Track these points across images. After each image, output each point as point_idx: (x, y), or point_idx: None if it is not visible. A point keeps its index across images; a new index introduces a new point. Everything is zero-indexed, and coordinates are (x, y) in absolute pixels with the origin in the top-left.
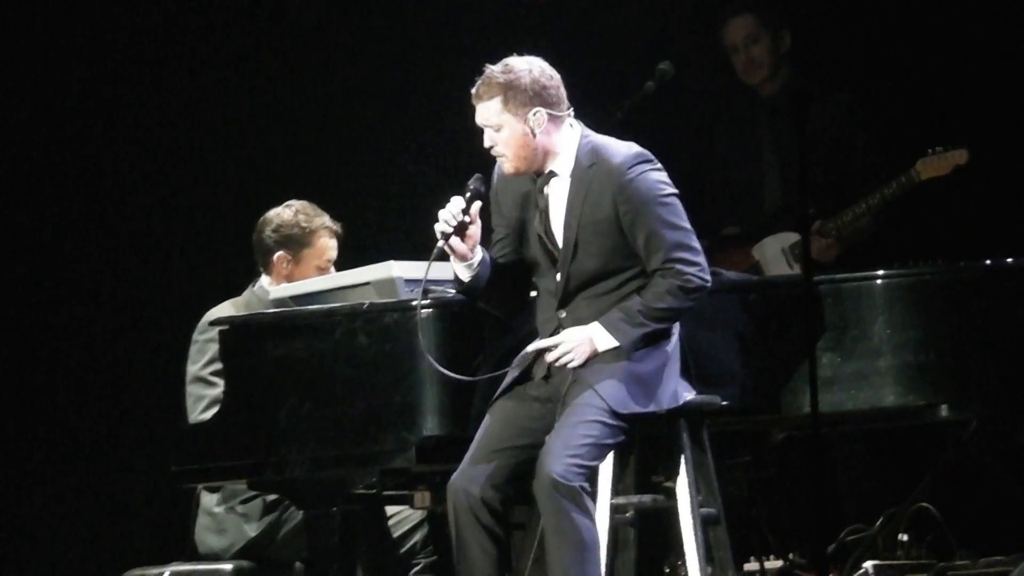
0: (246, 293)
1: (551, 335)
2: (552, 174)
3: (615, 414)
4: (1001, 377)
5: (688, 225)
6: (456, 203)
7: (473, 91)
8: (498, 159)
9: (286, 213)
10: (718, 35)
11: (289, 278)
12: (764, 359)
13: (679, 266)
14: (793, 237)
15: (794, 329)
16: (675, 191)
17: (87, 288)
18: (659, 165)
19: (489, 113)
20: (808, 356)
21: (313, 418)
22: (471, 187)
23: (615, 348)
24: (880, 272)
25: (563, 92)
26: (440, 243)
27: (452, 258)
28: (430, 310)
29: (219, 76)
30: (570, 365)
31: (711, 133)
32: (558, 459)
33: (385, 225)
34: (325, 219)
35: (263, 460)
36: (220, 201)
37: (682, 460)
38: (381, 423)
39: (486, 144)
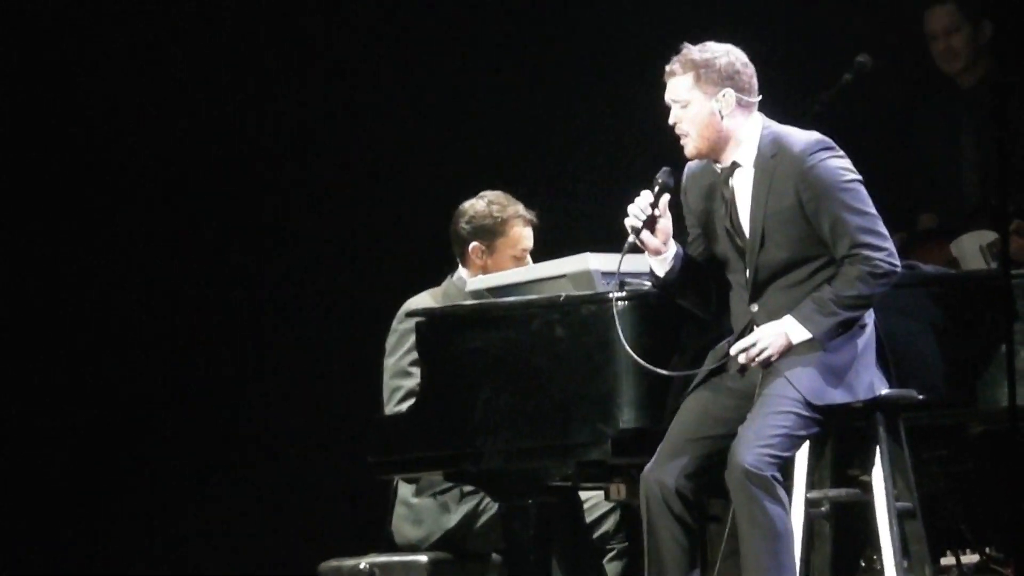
0: (444, 284)
1: (745, 330)
2: (736, 165)
3: (809, 405)
4: None
5: (873, 211)
6: (645, 197)
7: (667, 67)
8: (681, 140)
9: (479, 204)
10: (919, 24)
11: (485, 268)
12: (960, 353)
13: (866, 251)
14: (992, 235)
15: (991, 323)
16: (858, 177)
17: (290, 280)
18: (841, 152)
19: (680, 88)
20: (1007, 350)
21: (509, 409)
22: (659, 180)
23: (809, 339)
24: None
25: (755, 83)
26: (631, 237)
27: (646, 253)
28: (626, 302)
29: (413, 72)
30: (768, 359)
31: (909, 124)
32: (750, 449)
33: (581, 217)
34: (519, 208)
35: (459, 451)
36: (420, 193)
37: (878, 453)
38: (577, 415)
39: (671, 121)
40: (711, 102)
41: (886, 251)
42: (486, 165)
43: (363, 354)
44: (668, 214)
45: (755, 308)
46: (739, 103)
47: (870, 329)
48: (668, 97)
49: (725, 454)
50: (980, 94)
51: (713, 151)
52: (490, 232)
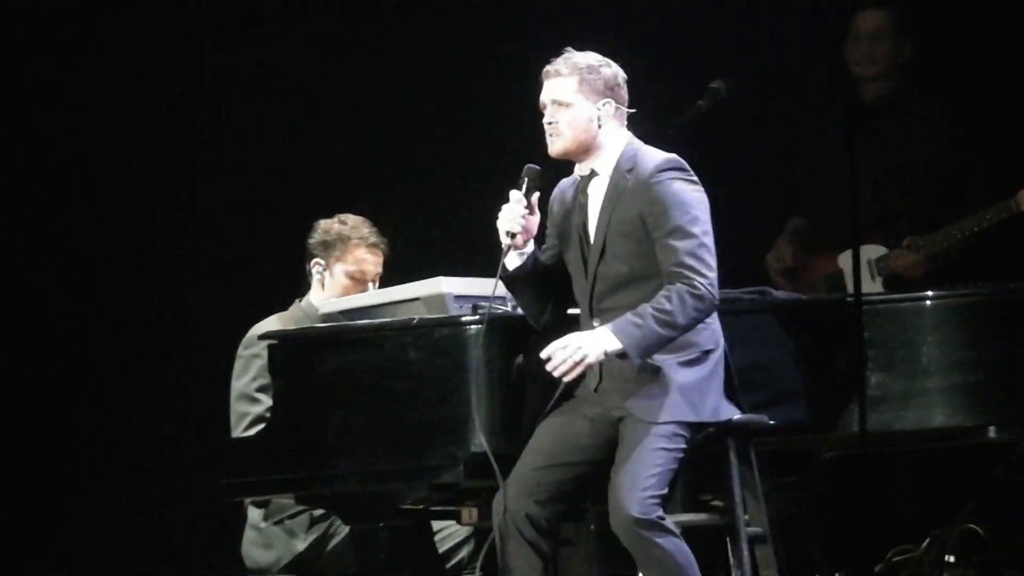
0: (293, 308)
1: None
2: (594, 173)
3: (672, 435)
4: None
5: (707, 240)
6: (515, 197)
7: (549, 67)
8: (550, 137)
9: (330, 221)
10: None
11: (323, 285)
12: (813, 378)
13: (688, 272)
14: (881, 250)
15: (843, 349)
16: (702, 202)
17: (134, 304)
18: (692, 176)
19: (563, 89)
20: (857, 376)
21: (362, 432)
22: (525, 178)
23: (651, 364)
24: (929, 293)
25: (627, 97)
26: (505, 241)
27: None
28: (479, 326)
29: (270, 95)
30: (581, 363)
31: (802, 133)
32: (632, 497)
33: (434, 241)
34: (365, 231)
35: (311, 474)
36: (268, 216)
37: (729, 479)
38: (430, 438)
39: (547, 120)
40: (592, 108)
41: (707, 279)
42: (342, 189)
43: (214, 376)
44: (537, 212)
45: (596, 324)
46: (615, 115)
47: (717, 355)
48: (548, 96)
49: (579, 481)
50: (880, 107)
51: (578, 155)
52: (331, 248)
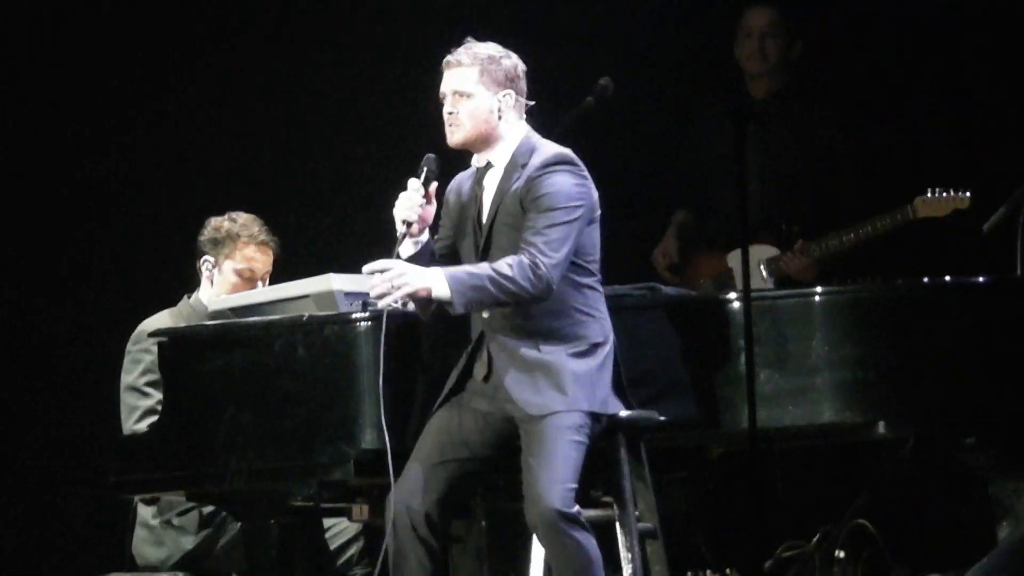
0: (181, 304)
1: (478, 340)
2: (489, 165)
3: (578, 427)
4: (938, 395)
5: (568, 229)
6: (413, 185)
7: (450, 57)
8: (449, 127)
9: (219, 218)
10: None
11: (211, 282)
12: (702, 374)
13: (535, 251)
14: (771, 251)
15: (732, 345)
16: (579, 202)
17: (22, 300)
18: (581, 171)
19: (463, 80)
20: (747, 372)
21: (252, 430)
22: (425, 167)
23: (541, 357)
24: (818, 289)
25: (526, 89)
26: (401, 228)
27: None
28: (369, 323)
29: (165, 89)
30: (399, 290)
31: (686, 134)
32: (553, 492)
33: (324, 238)
34: (254, 228)
35: (201, 471)
36: (157, 213)
37: (620, 475)
38: (320, 435)
39: (447, 110)
40: (492, 100)
41: (551, 260)
42: (234, 186)
43: (103, 372)
44: (434, 201)
45: (486, 315)
46: (515, 106)
47: (607, 349)
48: (449, 87)
49: (468, 477)
50: (769, 106)
51: (476, 145)
52: (219, 245)
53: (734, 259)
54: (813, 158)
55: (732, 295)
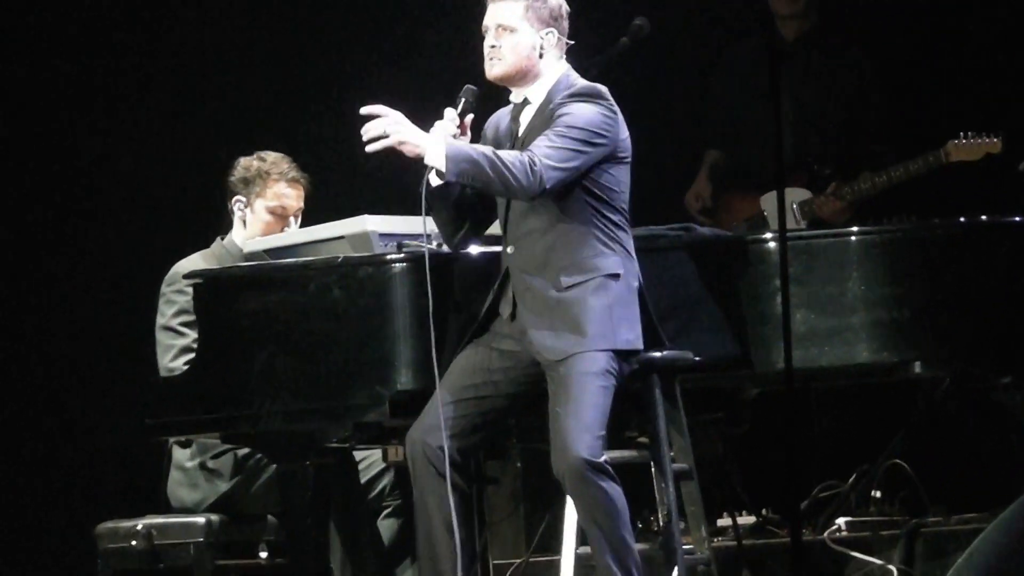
0: (215, 245)
1: (504, 277)
2: (527, 102)
3: (603, 371)
4: (974, 335)
5: (578, 156)
6: (449, 114)
7: None
8: (489, 60)
9: (250, 158)
10: None
11: (244, 222)
12: (737, 315)
13: (538, 151)
14: (804, 194)
15: (768, 285)
16: (601, 130)
17: (54, 243)
18: (611, 107)
19: (509, 14)
20: (783, 312)
21: (287, 371)
22: (463, 98)
23: (562, 295)
24: (854, 229)
25: (568, 29)
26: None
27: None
28: (404, 264)
29: (189, 34)
30: (388, 140)
31: (718, 75)
32: (581, 440)
33: (360, 178)
34: (284, 165)
35: (236, 413)
36: (187, 154)
37: (655, 416)
38: (354, 377)
39: (489, 43)
40: (536, 36)
41: (550, 167)
42: (264, 127)
43: (135, 316)
44: (469, 133)
45: (511, 250)
46: (557, 45)
47: (622, 284)
48: (492, 20)
49: (492, 415)
50: (799, 47)
51: (516, 81)
52: (250, 184)
53: (767, 202)
54: (845, 99)
55: (768, 235)
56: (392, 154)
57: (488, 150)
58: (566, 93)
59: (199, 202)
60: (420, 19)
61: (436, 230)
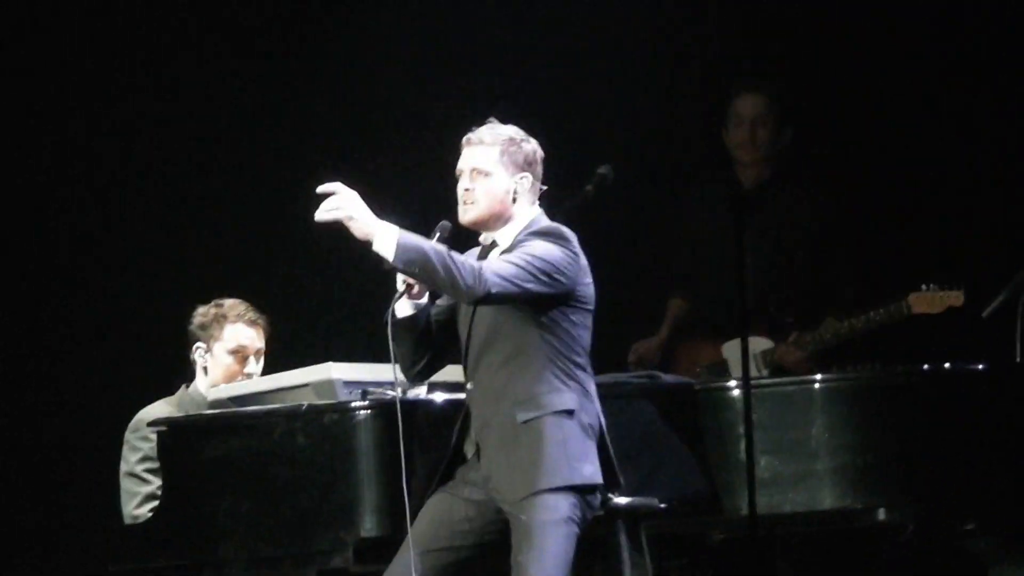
0: (179, 393)
1: (464, 415)
2: (494, 244)
3: (565, 515)
4: (939, 481)
5: (530, 279)
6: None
7: (472, 135)
8: (463, 205)
9: (206, 306)
10: (723, 109)
11: (206, 369)
12: (702, 461)
13: (489, 264)
14: (766, 343)
15: (732, 431)
16: (559, 259)
17: (21, 388)
18: (569, 244)
19: (484, 158)
20: (747, 458)
21: (251, 517)
22: (437, 233)
23: (520, 432)
24: (818, 376)
25: (542, 174)
26: (401, 287)
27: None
28: (369, 411)
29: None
30: (335, 212)
31: (678, 221)
32: None
33: (324, 328)
34: (240, 308)
35: (201, 559)
36: (152, 303)
37: (620, 562)
38: (319, 523)
39: (463, 186)
40: (510, 181)
41: (499, 278)
42: (230, 277)
43: (100, 462)
44: None
45: (470, 386)
46: (530, 189)
47: (576, 422)
48: (467, 164)
49: (460, 565)
50: (758, 194)
51: (488, 224)
52: (207, 328)
53: (728, 350)
54: (806, 245)
55: (731, 383)
56: (339, 228)
57: (440, 246)
58: (529, 231)
59: (163, 349)
60: (398, 168)
61: (401, 376)
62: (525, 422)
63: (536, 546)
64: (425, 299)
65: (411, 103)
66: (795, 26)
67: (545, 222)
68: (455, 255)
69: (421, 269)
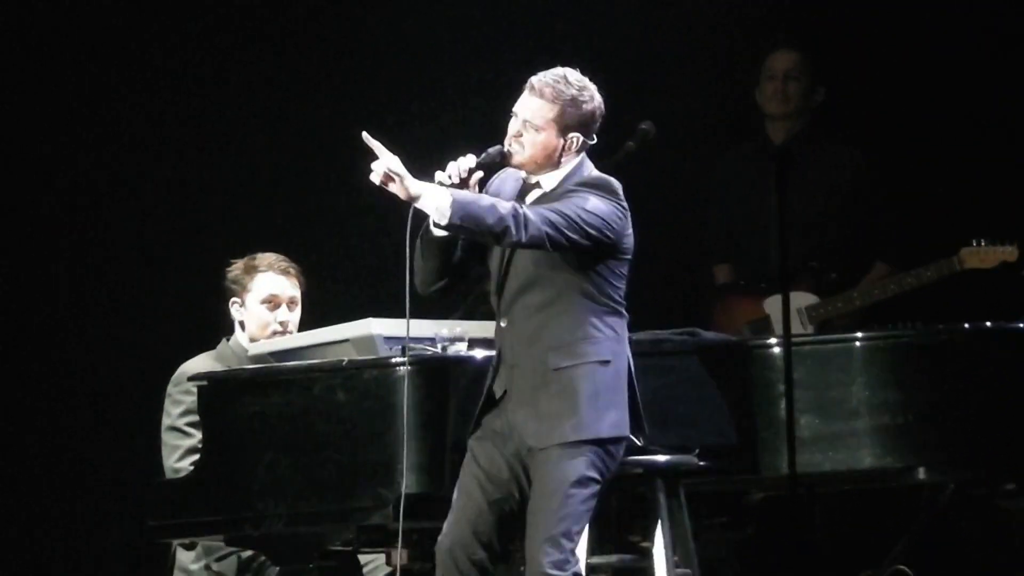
0: (220, 346)
1: (498, 351)
2: (537, 185)
3: (587, 468)
4: (978, 440)
5: (580, 226)
6: (468, 160)
7: (535, 82)
8: (511, 146)
9: (239, 260)
10: (757, 65)
11: (243, 322)
12: (742, 419)
13: (536, 209)
14: (810, 298)
15: (772, 389)
16: (607, 213)
17: (63, 345)
18: (615, 198)
19: (540, 114)
20: (787, 417)
21: (291, 474)
22: (489, 152)
23: (553, 379)
24: (859, 334)
25: (596, 130)
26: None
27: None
28: (409, 367)
29: (195, 131)
30: (391, 183)
31: (715, 177)
32: (547, 555)
33: (365, 282)
34: (271, 258)
35: (241, 515)
36: (193, 256)
37: (659, 520)
38: (359, 479)
39: (512, 128)
40: (559, 140)
41: (547, 225)
42: (267, 231)
43: (141, 416)
44: (476, 189)
45: (504, 323)
46: (579, 146)
47: (613, 370)
48: (523, 111)
49: (508, 518)
50: (786, 149)
51: (533, 171)
52: (240, 282)
53: (771, 306)
54: (841, 199)
55: (772, 340)
56: (387, 191)
57: (492, 202)
58: (578, 180)
59: (204, 301)
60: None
61: (443, 333)
62: (557, 369)
63: (556, 504)
64: None
65: (451, 63)
66: None
67: (592, 171)
68: (505, 207)
69: (476, 225)
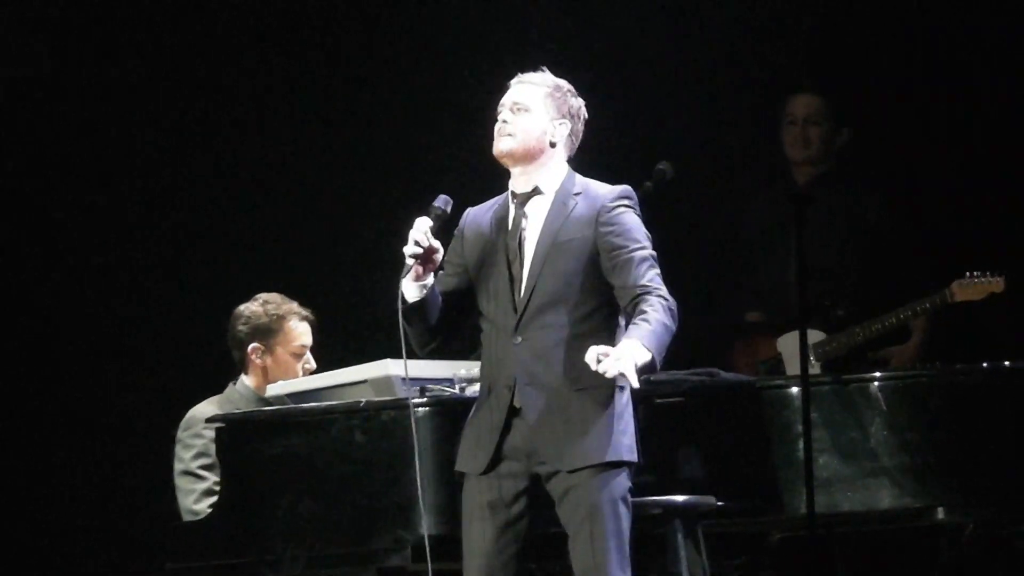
0: (228, 390)
1: (506, 368)
2: (537, 191)
3: (624, 492)
4: (998, 479)
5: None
6: (423, 224)
7: (522, 75)
8: (499, 137)
9: (253, 305)
10: (775, 112)
11: (265, 369)
12: (760, 459)
13: (660, 289)
14: (818, 335)
15: (790, 430)
16: (648, 237)
17: (70, 393)
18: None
19: (530, 95)
20: (805, 457)
21: (310, 516)
22: (437, 208)
23: (568, 404)
24: (878, 374)
25: (582, 133)
26: (409, 262)
27: (406, 277)
28: (427, 408)
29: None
30: (619, 368)
31: (744, 221)
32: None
33: (380, 324)
34: (293, 305)
35: (259, 558)
36: (196, 299)
37: (677, 561)
38: (377, 521)
39: (501, 119)
40: (550, 123)
41: (672, 301)
42: (267, 272)
43: (156, 461)
44: (440, 245)
45: (519, 340)
46: (567, 141)
47: (624, 396)
48: (511, 99)
49: (522, 543)
50: (810, 191)
51: (522, 162)
52: (266, 331)
53: (783, 344)
54: (858, 240)
55: (790, 380)
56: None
57: (653, 318)
58: (611, 195)
59: (202, 350)
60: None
61: (460, 373)
62: (580, 390)
63: (607, 528)
64: (430, 279)
65: (465, 98)
66: (852, 27)
67: (583, 178)
68: (657, 310)
69: (665, 347)
